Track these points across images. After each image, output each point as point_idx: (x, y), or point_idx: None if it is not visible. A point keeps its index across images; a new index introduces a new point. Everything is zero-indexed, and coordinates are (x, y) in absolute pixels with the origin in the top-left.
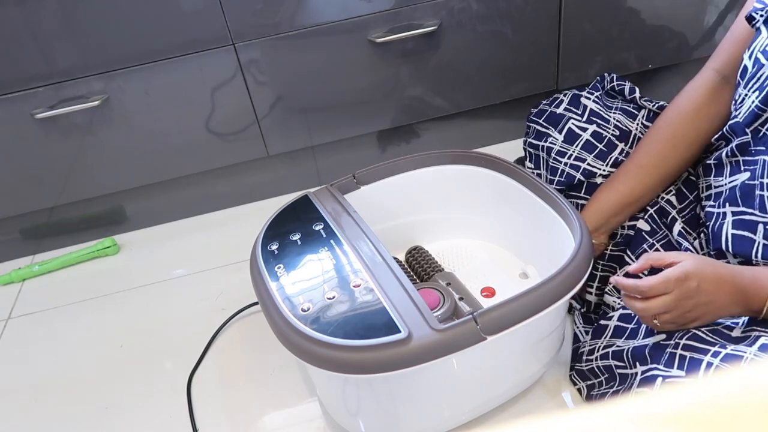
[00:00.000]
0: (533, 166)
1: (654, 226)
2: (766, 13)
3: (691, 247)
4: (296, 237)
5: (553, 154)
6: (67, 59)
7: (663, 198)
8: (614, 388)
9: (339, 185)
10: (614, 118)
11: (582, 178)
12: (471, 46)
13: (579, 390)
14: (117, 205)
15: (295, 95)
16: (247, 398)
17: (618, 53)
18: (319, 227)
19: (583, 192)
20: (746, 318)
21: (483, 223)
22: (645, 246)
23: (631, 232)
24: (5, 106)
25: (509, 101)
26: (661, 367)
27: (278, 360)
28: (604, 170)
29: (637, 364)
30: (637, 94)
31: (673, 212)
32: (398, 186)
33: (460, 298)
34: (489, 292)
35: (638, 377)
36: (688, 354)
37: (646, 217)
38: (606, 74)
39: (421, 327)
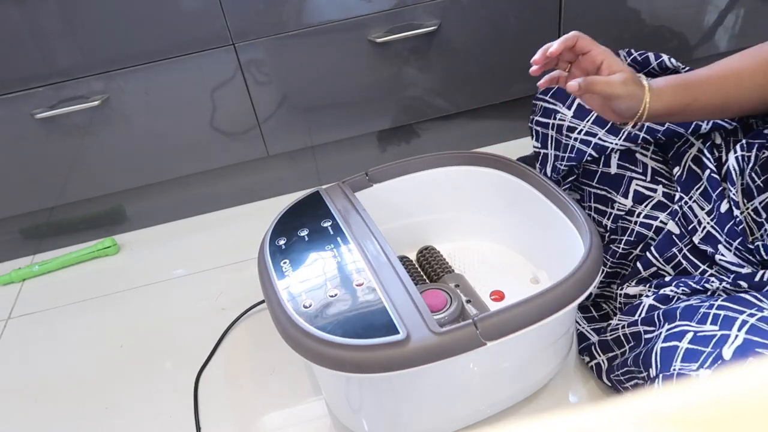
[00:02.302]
0: (540, 145)
1: (682, 229)
2: None
3: (718, 253)
4: (304, 233)
5: (564, 131)
6: (67, 59)
7: (687, 203)
8: (636, 352)
9: (351, 183)
10: None
11: (594, 153)
12: (471, 46)
13: (597, 366)
14: (117, 205)
15: (296, 95)
16: (252, 397)
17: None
18: (327, 224)
19: (595, 181)
20: None
21: (495, 225)
22: (674, 250)
23: (643, 230)
24: (5, 106)
25: (509, 101)
26: (692, 323)
27: (285, 358)
28: (616, 144)
29: (666, 323)
30: (665, 58)
31: (698, 216)
32: (411, 185)
33: (468, 301)
34: (498, 295)
35: (663, 334)
36: (723, 313)
37: (676, 219)
38: (621, 51)
39: (421, 329)
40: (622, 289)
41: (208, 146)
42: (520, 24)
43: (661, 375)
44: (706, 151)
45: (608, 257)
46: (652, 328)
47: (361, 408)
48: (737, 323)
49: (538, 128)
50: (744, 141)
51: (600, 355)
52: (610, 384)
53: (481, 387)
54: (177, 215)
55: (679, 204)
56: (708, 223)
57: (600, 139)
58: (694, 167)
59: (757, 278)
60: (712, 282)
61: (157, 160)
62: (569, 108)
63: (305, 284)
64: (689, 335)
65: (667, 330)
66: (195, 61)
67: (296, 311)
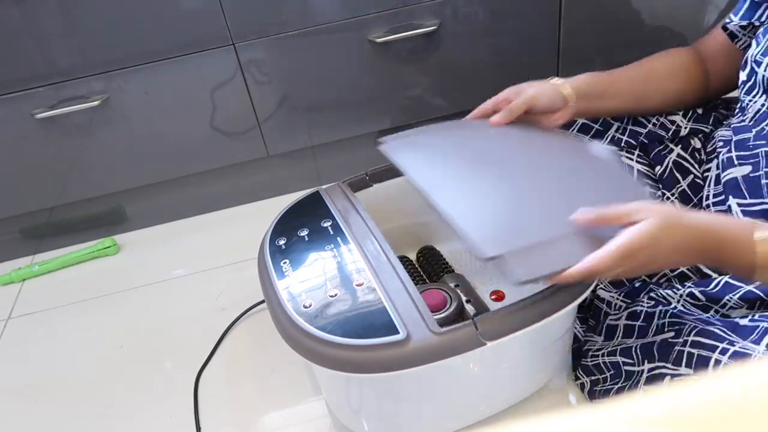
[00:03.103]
0: None
1: None
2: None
3: None
4: (304, 233)
5: None
6: (67, 59)
7: (669, 200)
8: (619, 384)
9: (351, 182)
10: None
11: None
12: (471, 46)
13: (582, 385)
14: (117, 205)
15: (295, 95)
16: (252, 397)
17: (618, 53)
18: (327, 224)
19: None
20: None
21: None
22: None
23: None
24: (5, 106)
25: None
26: (669, 365)
27: (285, 358)
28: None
29: (645, 361)
30: None
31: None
32: (411, 185)
33: (468, 301)
34: (498, 295)
35: (645, 374)
36: (696, 351)
37: None
38: None
39: (421, 329)
40: (595, 291)
41: (208, 146)
42: (520, 24)
43: None
44: (687, 157)
45: None
46: (631, 361)
47: (361, 408)
48: (711, 364)
49: None
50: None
51: (583, 377)
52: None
53: (481, 387)
54: (177, 215)
55: (661, 200)
56: None
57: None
58: (675, 171)
59: (711, 286)
60: (674, 292)
61: (157, 160)
62: None
63: (305, 284)
64: (666, 379)
65: (648, 371)
66: (195, 61)
67: (296, 311)
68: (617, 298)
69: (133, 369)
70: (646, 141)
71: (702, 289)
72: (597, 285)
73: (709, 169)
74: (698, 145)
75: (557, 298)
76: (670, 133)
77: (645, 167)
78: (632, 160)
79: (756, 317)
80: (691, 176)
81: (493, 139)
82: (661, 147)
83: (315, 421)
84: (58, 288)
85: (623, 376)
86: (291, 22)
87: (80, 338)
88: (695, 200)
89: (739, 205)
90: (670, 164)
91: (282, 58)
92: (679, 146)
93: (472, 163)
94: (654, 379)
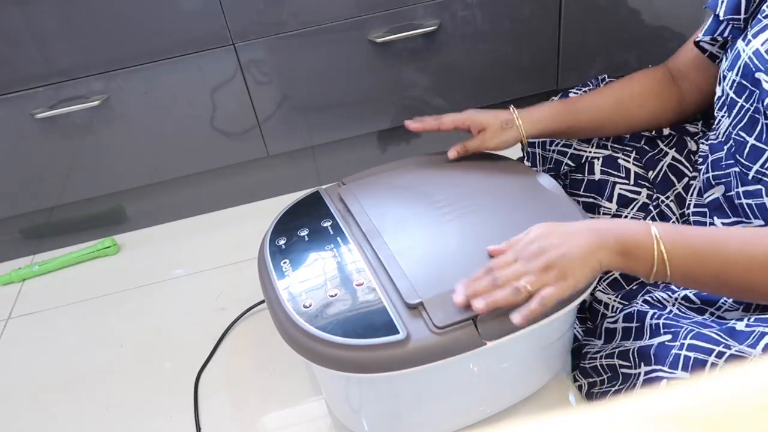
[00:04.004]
0: (530, 164)
1: None
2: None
3: None
4: (304, 233)
5: (546, 146)
6: (67, 59)
7: (663, 202)
8: (616, 387)
9: (351, 182)
10: None
11: (570, 162)
12: (471, 46)
13: (580, 387)
14: (117, 205)
15: (295, 95)
16: (252, 397)
17: (618, 53)
18: (327, 224)
19: (582, 190)
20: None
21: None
22: None
23: None
24: (5, 106)
25: (509, 101)
26: (665, 368)
27: (285, 358)
28: (590, 152)
29: (642, 364)
30: None
31: (674, 218)
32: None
33: None
34: None
35: (641, 377)
36: (692, 354)
37: (650, 217)
38: (599, 77)
39: (421, 329)
40: (594, 294)
41: (208, 146)
42: (520, 24)
43: None
44: (682, 160)
45: None
46: (627, 364)
47: (361, 408)
48: (707, 367)
49: (529, 149)
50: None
51: (581, 379)
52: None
53: (481, 387)
54: (177, 215)
55: (656, 203)
56: (681, 224)
57: (575, 148)
58: (669, 174)
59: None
60: (668, 295)
61: (157, 160)
62: None
63: (305, 284)
64: (663, 382)
65: (645, 374)
66: (195, 61)
67: (296, 311)
68: (615, 300)
69: (133, 369)
70: (638, 144)
71: (696, 291)
72: (596, 287)
73: (695, 177)
74: (694, 147)
75: None
76: (664, 136)
77: (641, 169)
78: (629, 161)
79: (752, 321)
80: (686, 179)
81: (444, 179)
82: (655, 151)
83: (315, 421)
84: (58, 288)
85: (620, 379)
86: (291, 22)
87: (80, 338)
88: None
89: (724, 224)
90: (665, 168)
91: (282, 58)
92: (674, 149)
93: (419, 206)
94: (650, 381)
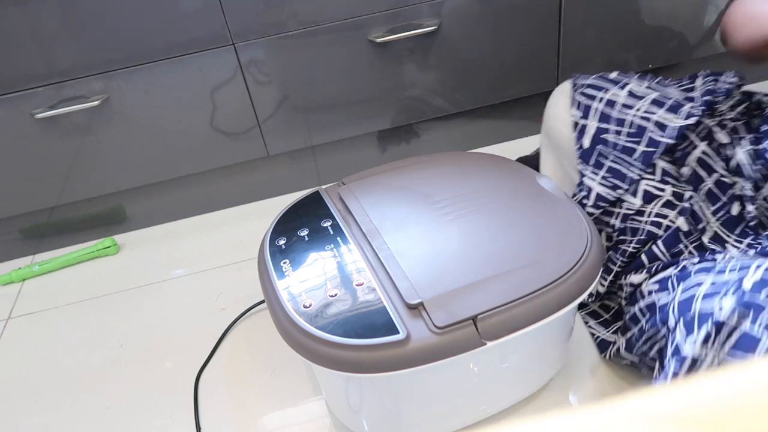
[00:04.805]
0: (581, 114)
1: (691, 227)
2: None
3: (728, 249)
4: (304, 233)
5: (617, 107)
6: (67, 59)
7: (697, 202)
8: (653, 318)
9: (351, 182)
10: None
11: (657, 131)
12: (471, 46)
13: (616, 350)
14: (117, 205)
15: (295, 95)
16: (252, 397)
17: (618, 53)
18: (327, 224)
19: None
20: None
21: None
22: (681, 246)
23: (653, 228)
24: (5, 106)
25: (509, 101)
26: (709, 275)
27: (285, 358)
28: (677, 122)
29: (681, 284)
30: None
31: (706, 217)
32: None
33: None
34: None
35: (679, 291)
36: (738, 263)
37: (687, 216)
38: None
39: (421, 329)
40: (627, 279)
41: (208, 146)
42: (520, 24)
43: (681, 319)
44: (711, 154)
45: (618, 256)
46: (665, 293)
47: (361, 408)
48: (754, 265)
49: (583, 98)
50: (751, 135)
51: (619, 339)
52: (637, 358)
53: (481, 387)
54: (177, 215)
55: (690, 202)
56: (714, 223)
57: (661, 116)
58: (698, 169)
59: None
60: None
61: (157, 160)
62: (622, 88)
63: (305, 284)
64: (707, 283)
65: (683, 288)
66: (195, 61)
67: (296, 311)
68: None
69: (133, 369)
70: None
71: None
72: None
73: (725, 176)
74: (724, 140)
75: (557, 296)
76: (698, 128)
77: (669, 164)
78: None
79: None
80: (716, 175)
81: (444, 179)
82: (686, 144)
83: (315, 420)
84: (58, 288)
85: (657, 310)
86: (291, 21)
87: (80, 338)
88: (724, 198)
89: None
90: (694, 162)
91: (282, 58)
92: (705, 142)
93: (419, 206)
94: (690, 290)
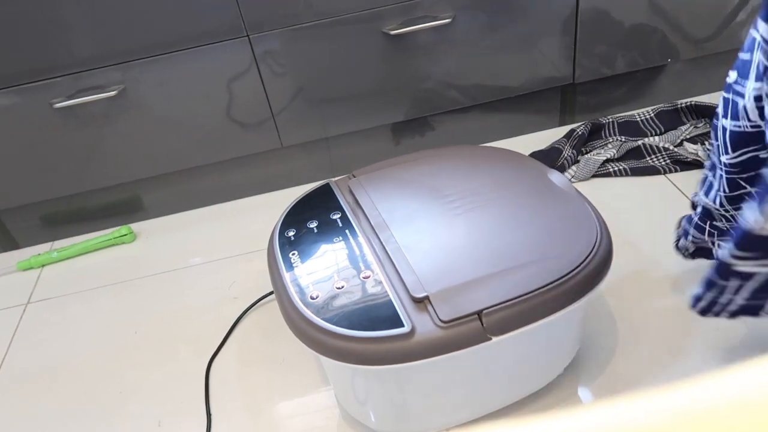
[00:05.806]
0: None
1: None
2: None
3: None
4: (313, 225)
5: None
6: (85, 50)
7: None
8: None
9: (361, 175)
10: None
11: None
12: (486, 38)
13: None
14: (134, 193)
15: (310, 87)
16: (262, 386)
17: (636, 47)
18: (336, 216)
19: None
20: None
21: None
22: None
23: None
24: (25, 95)
25: (524, 95)
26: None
27: (295, 348)
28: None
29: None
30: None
31: None
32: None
33: None
34: None
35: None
36: None
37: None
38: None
39: (426, 323)
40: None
41: (223, 137)
42: (536, 17)
43: None
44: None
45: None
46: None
47: (367, 399)
48: None
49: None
50: None
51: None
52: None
53: (486, 381)
54: (192, 205)
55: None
56: None
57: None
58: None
59: None
60: None
61: (172, 151)
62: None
63: (313, 276)
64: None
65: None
66: (210, 52)
67: (303, 302)
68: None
69: (146, 355)
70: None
71: None
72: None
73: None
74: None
75: (566, 292)
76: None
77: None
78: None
79: None
80: None
81: (453, 173)
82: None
83: (324, 411)
84: (75, 274)
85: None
86: (305, 13)
87: (96, 324)
88: None
89: None
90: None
91: (296, 50)
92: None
93: (428, 200)
94: None
